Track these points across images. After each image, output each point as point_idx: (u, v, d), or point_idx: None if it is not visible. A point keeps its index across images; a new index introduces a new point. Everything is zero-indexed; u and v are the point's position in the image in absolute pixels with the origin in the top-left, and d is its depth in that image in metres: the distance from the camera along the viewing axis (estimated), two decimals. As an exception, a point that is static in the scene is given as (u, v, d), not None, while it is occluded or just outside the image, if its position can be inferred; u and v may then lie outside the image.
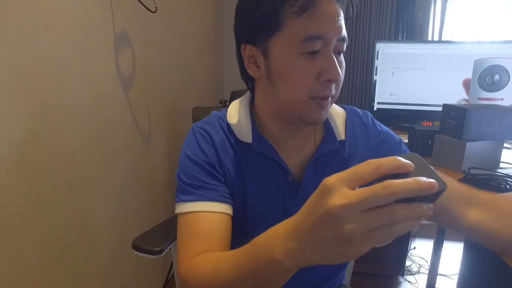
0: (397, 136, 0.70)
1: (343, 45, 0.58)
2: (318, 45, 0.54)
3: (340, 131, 0.68)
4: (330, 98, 0.58)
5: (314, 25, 0.53)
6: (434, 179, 0.32)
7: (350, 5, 0.58)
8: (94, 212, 1.07)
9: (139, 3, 1.15)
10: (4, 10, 0.72)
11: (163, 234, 0.93)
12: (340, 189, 0.33)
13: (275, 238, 0.39)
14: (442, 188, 0.32)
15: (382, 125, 0.72)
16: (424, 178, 0.31)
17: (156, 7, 1.18)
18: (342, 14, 0.57)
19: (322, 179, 0.34)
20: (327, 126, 0.69)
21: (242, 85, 0.74)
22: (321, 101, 0.58)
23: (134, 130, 1.28)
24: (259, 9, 0.55)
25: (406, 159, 0.34)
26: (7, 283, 0.77)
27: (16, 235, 0.79)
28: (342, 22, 0.56)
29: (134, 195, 1.31)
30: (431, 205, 0.32)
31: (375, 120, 0.72)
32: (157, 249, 0.87)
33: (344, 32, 0.57)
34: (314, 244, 0.35)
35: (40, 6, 0.81)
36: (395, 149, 0.68)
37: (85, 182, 1.02)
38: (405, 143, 0.71)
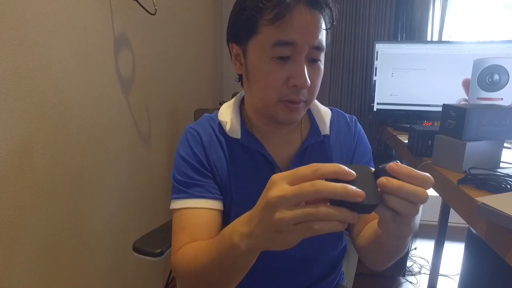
0: (369, 145, 0.77)
1: (318, 53, 0.61)
2: (288, 51, 0.58)
3: (325, 126, 0.72)
4: (301, 102, 0.62)
5: (285, 32, 0.57)
6: (369, 193, 0.36)
7: (330, 14, 0.61)
8: (94, 214, 1.07)
9: (138, 5, 1.15)
10: (4, 12, 0.72)
11: (163, 236, 0.93)
12: (280, 184, 0.38)
13: (236, 225, 0.46)
14: (372, 202, 0.37)
15: (362, 130, 0.78)
16: (353, 187, 0.35)
17: (155, 9, 1.19)
18: (321, 23, 0.59)
19: None
20: (313, 121, 0.73)
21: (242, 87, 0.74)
22: (290, 104, 0.61)
23: (134, 132, 1.28)
24: (243, 13, 0.60)
25: (356, 170, 0.37)
26: (7, 286, 0.77)
27: (17, 238, 0.79)
28: (319, 31, 0.59)
29: (134, 197, 1.31)
30: (357, 214, 0.36)
31: (358, 124, 0.78)
32: (158, 251, 0.87)
33: (319, 41, 0.59)
34: (258, 230, 0.41)
35: (40, 9, 0.81)
36: (361, 154, 0.75)
37: (85, 185, 1.02)
38: (372, 153, 0.78)
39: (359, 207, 0.36)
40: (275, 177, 0.39)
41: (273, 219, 0.38)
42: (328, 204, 0.37)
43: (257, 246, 0.43)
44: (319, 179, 0.37)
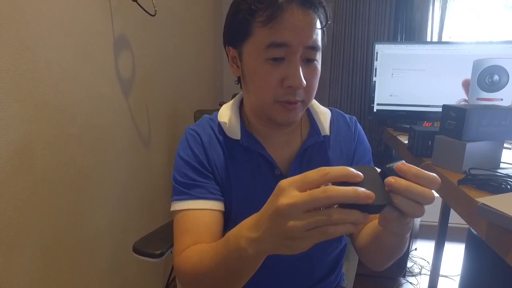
0: (368, 145, 0.78)
1: (314, 53, 0.60)
2: (281, 52, 0.58)
3: (325, 127, 0.72)
4: (298, 102, 0.62)
5: (277, 33, 0.57)
6: (378, 193, 0.36)
7: (324, 13, 0.60)
8: (94, 216, 1.07)
9: (138, 6, 1.15)
10: (4, 14, 0.72)
11: (163, 237, 0.93)
12: (289, 191, 0.37)
13: (242, 229, 0.45)
14: (382, 202, 0.37)
15: (362, 130, 0.78)
16: (363, 189, 0.35)
17: (155, 10, 1.19)
18: (314, 23, 0.58)
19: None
20: (312, 122, 0.73)
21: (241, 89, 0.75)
22: (288, 105, 0.61)
23: (134, 133, 1.28)
24: (237, 16, 0.61)
25: (362, 171, 0.37)
26: (8, 287, 0.77)
27: (17, 239, 0.79)
28: (313, 31, 0.58)
29: (134, 198, 1.31)
30: (367, 214, 0.36)
31: (358, 125, 0.78)
32: (158, 252, 0.87)
33: (313, 41, 0.59)
34: (268, 236, 0.40)
35: (40, 10, 0.81)
36: (361, 154, 0.75)
37: (85, 186, 1.02)
38: (372, 154, 0.78)
39: (368, 208, 0.36)
40: (284, 183, 0.38)
41: (285, 227, 0.37)
42: (336, 206, 0.36)
43: (265, 250, 0.42)
44: (328, 183, 0.37)
